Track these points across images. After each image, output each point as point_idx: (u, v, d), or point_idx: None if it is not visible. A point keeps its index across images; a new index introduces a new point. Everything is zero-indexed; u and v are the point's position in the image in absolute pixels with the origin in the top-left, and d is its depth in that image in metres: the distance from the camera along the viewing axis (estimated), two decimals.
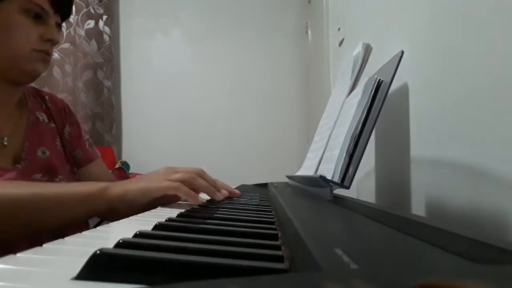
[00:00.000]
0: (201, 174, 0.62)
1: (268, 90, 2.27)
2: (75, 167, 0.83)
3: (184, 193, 0.58)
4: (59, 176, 0.75)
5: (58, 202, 0.55)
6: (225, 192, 0.67)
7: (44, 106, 0.81)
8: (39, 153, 0.73)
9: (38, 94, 0.83)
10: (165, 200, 0.62)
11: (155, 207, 0.58)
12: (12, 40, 0.67)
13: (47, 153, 0.74)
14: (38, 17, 0.69)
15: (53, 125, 0.80)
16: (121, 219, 0.44)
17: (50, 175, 0.73)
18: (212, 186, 0.63)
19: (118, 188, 0.58)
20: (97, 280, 0.21)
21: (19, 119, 0.74)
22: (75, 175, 0.81)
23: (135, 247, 0.25)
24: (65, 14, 0.75)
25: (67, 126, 0.83)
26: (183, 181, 0.59)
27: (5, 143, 0.69)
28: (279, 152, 2.21)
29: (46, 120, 0.79)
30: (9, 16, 0.66)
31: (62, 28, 0.79)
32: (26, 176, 0.68)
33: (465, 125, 0.43)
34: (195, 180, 0.60)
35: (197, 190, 0.61)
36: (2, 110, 0.71)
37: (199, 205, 0.59)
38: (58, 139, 0.79)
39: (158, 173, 0.61)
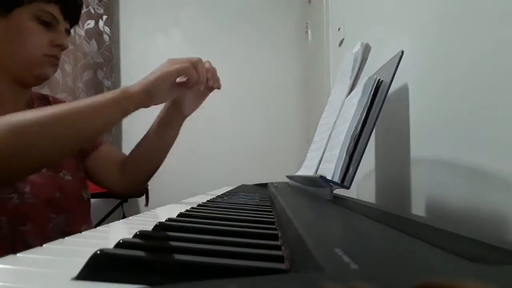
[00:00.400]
0: (198, 61, 0.71)
1: (268, 90, 2.27)
2: (84, 157, 0.86)
3: (199, 72, 0.68)
4: (63, 171, 0.77)
5: (92, 111, 0.61)
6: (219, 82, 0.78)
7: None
8: None
9: (43, 97, 0.86)
10: (182, 87, 0.71)
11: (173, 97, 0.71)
12: (24, 46, 0.71)
13: None
14: (48, 24, 0.73)
15: None
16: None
17: (55, 169, 0.76)
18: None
19: (138, 85, 0.65)
20: (97, 280, 0.21)
21: None
22: (81, 171, 0.84)
23: (135, 247, 0.25)
24: (73, 20, 0.79)
25: None
26: (193, 63, 0.68)
27: None
28: (279, 152, 2.21)
29: None
30: (22, 22, 0.70)
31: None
32: None
33: (465, 125, 0.43)
34: (198, 64, 0.70)
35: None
36: (13, 110, 0.73)
37: (198, 205, 0.59)
38: None
39: (165, 63, 0.69)
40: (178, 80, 0.69)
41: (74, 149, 0.63)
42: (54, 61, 0.75)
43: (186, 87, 0.72)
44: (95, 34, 2.17)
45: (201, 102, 0.87)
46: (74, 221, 0.77)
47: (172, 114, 0.84)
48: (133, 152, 0.88)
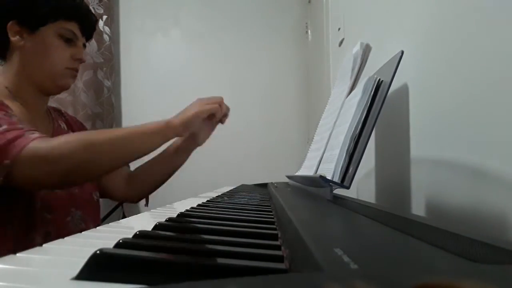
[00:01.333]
0: (222, 101, 0.87)
1: (268, 90, 2.27)
2: None
3: (223, 110, 0.85)
4: None
5: (143, 136, 0.75)
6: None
7: (63, 117, 0.97)
8: None
9: (57, 109, 0.99)
10: (208, 122, 0.87)
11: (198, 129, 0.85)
12: (49, 60, 0.82)
13: None
14: (69, 40, 0.84)
15: (71, 132, 0.93)
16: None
17: None
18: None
19: (177, 119, 0.79)
20: (97, 280, 0.21)
21: (48, 123, 0.89)
22: None
23: (135, 247, 0.25)
24: (89, 35, 0.91)
25: None
26: (219, 102, 0.84)
27: None
28: (279, 152, 2.21)
29: (66, 128, 0.94)
30: (47, 39, 0.81)
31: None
32: None
33: (464, 125, 0.43)
34: (223, 104, 0.86)
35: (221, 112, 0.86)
36: (38, 115, 0.86)
37: (198, 205, 0.59)
38: None
39: (198, 103, 0.83)
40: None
41: (125, 164, 0.79)
42: (74, 73, 0.87)
43: (212, 122, 0.88)
44: (95, 34, 2.16)
45: (211, 133, 1.00)
46: (87, 218, 0.86)
47: (188, 143, 0.95)
48: (141, 169, 1.00)
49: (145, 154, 0.75)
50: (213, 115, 0.84)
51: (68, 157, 0.66)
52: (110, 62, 2.21)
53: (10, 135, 0.65)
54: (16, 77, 0.82)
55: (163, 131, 0.77)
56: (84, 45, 0.89)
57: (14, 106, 0.78)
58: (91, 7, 2.17)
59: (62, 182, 0.71)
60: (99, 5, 2.19)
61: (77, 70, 0.87)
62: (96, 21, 0.92)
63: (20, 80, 0.82)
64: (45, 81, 0.83)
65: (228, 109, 0.91)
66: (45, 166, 0.65)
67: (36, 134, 0.68)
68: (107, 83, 2.19)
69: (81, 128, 1.00)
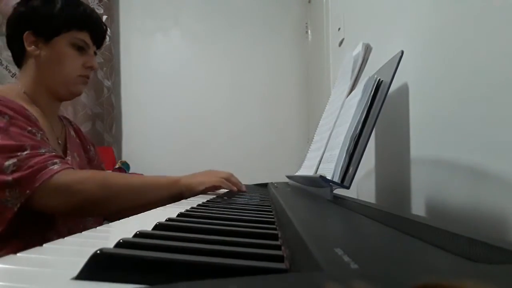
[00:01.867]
0: (232, 175, 0.92)
1: (268, 90, 2.27)
2: None
3: (229, 184, 0.88)
4: None
5: (154, 187, 0.83)
6: (244, 188, 0.94)
7: (71, 126, 1.02)
8: (74, 156, 0.93)
9: (66, 117, 1.04)
10: (210, 190, 0.89)
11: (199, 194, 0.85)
12: (63, 68, 0.87)
13: (77, 158, 0.93)
14: (81, 49, 0.89)
15: (78, 140, 1.00)
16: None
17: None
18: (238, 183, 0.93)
19: (185, 180, 0.86)
20: (97, 280, 0.21)
21: (61, 128, 0.95)
22: None
23: (135, 247, 0.25)
24: (100, 44, 0.95)
25: (90, 145, 1.04)
26: (225, 178, 0.89)
27: (60, 142, 0.91)
28: (279, 152, 2.21)
29: (74, 136, 1.00)
30: (61, 48, 0.86)
31: None
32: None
33: (464, 125, 0.43)
34: (232, 177, 0.91)
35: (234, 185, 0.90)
36: (53, 119, 0.92)
37: (198, 205, 0.59)
38: (82, 151, 0.99)
39: (207, 172, 0.91)
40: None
41: (131, 210, 0.79)
42: (85, 80, 0.93)
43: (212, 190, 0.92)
44: None
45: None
46: (96, 219, 0.92)
47: (185, 196, 0.94)
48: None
49: (150, 204, 0.76)
50: (218, 187, 0.89)
51: (85, 193, 0.75)
52: (110, 62, 2.21)
53: (34, 163, 0.71)
54: (33, 83, 0.87)
55: (171, 187, 0.85)
56: (95, 53, 0.95)
57: (32, 110, 0.82)
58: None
59: (75, 213, 0.81)
60: (99, 5, 2.19)
61: (88, 77, 0.92)
62: (106, 30, 0.96)
63: (36, 86, 0.87)
64: (59, 87, 0.88)
65: (237, 182, 0.93)
66: (63, 198, 0.73)
67: (57, 166, 0.73)
68: (107, 83, 2.19)
69: (86, 137, 1.06)
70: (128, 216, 0.75)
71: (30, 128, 0.76)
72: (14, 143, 0.71)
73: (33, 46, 0.85)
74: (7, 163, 0.69)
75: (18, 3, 0.87)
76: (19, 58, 0.88)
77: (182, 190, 0.84)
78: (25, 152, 0.71)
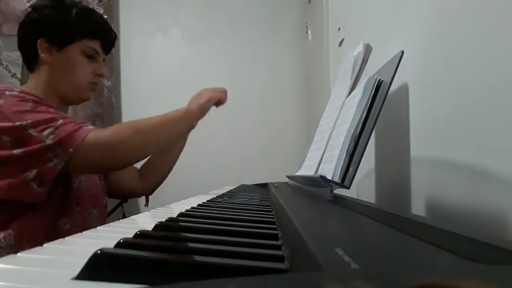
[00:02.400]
0: (226, 90, 1.05)
1: (268, 90, 2.27)
2: (108, 174, 1.08)
3: (225, 97, 1.03)
4: (94, 176, 0.99)
5: (173, 121, 0.90)
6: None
7: None
8: None
9: None
10: (217, 103, 1.02)
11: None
12: (74, 76, 0.91)
13: None
14: (91, 57, 0.93)
15: None
16: None
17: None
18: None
19: (195, 106, 0.94)
20: (98, 280, 0.21)
21: None
22: (103, 181, 1.05)
23: (135, 247, 0.25)
24: (109, 51, 0.99)
25: None
26: (222, 91, 1.03)
27: None
28: (279, 152, 2.20)
29: None
30: (73, 56, 0.90)
31: None
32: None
33: (465, 125, 0.43)
34: (226, 92, 1.06)
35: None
36: None
37: (198, 205, 0.59)
38: None
39: (208, 90, 1.03)
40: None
41: (163, 147, 0.95)
42: (94, 87, 0.97)
43: (217, 105, 1.03)
44: None
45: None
46: (100, 217, 0.96)
47: (200, 118, 1.04)
48: (148, 163, 1.11)
49: (174, 139, 0.92)
50: (220, 102, 1.01)
51: (123, 142, 0.80)
52: (110, 62, 2.21)
53: (70, 127, 0.77)
54: (45, 87, 0.90)
55: (186, 118, 0.92)
56: (104, 59, 0.98)
57: None
58: (91, 7, 2.18)
59: (118, 165, 0.85)
60: (99, 5, 2.19)
61: (97, 84, 0.97)
62: (115, 37, 1.00)
63: (48, 90, 0.90)
64: (70, 93, 0.92)
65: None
66: (105, 152, 0.78)
67: (91, 126, 0.80)
68: (107, 83, 2.19)
69: None
70: (155, 163, 1.00)
71: (53, 110, 0.81)
72: (47, 117, 0.77)
73: (46, 54, 0.88)
74: (44, 133, 0.75)
75: (31, 10, 0.90)
76: (31, 62, 0.91)
77: (198, 116, 0.94)
78: (59, 122, 0.77)
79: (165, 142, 0.90)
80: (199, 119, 0.96)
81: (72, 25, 0.89)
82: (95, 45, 0.93)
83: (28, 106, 0.78)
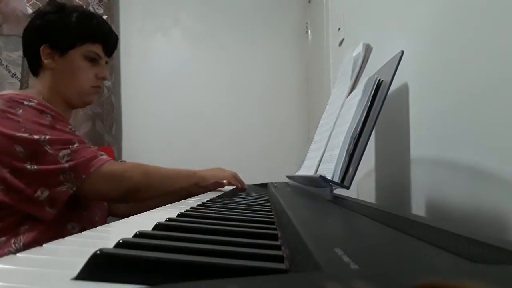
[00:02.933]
0: (237, 174, 1.09)
1: (268, 90, 2.27)
2: None
3: (237, 181, 1.06)
4: None
5: (179, 177, 0.98)
6: (246, 187, 1.12)
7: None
8: None
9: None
10: (216, 186, 1.04)
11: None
12: (77, 80, 0.92)
13: None
14: (94, 60, 0.94)
15: None
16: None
17: None
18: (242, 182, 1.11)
19: (200, 173, 1.01)
20: (97, 280, 0.21)
21: None
22: None
23: (135, 247, 0.25)
24: (111, 54, 1.00)
25: None
26: (233, 175, 1.06)
27: None
28: (279, 152, 2.20)
29: None
30: (75, 61, 0.91)
31: None
32: None
33: (464, 125, 0.43)
34: (237, 176, 1.08)
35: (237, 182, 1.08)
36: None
37: (198, 205, 0.59)
38: None
39: (217, 169, 1.07)
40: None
41: (163, 195, 0.99)
42: (98, 90, 0.98)
43: (218, 186, 1.07)
44: None
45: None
46: (102, 219, 0.99)
47: (199, 184, 1.11)
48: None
49: (175, 192, 0.98)
50: (227, 182, 1.07)
51: (132, 180, 0.86)
52: (110, 62, 2.21)
53: (87, 153, 0.81)
54: (49, 92, 0.91)
55: (190, 178, 1.00)
56: (107, 62, 0.99)
57: None
58: (91, 7, 2.17)
59: (120, 199, 0.94)
60: (99, 5, 2.19)
61: (100, 87, 0.98)
62: (117, 40, 1.01)
63: (52, 94, 0.91)
64: (73, 97, 0.93)
65: (242, 181, 1.11)
66: (114, 184, 0.84)
67: (105, 157, 0.85)
68: (107, 83, 2.19)
69: None
70: (155, 203, 0.90)
71: (70, 127, 0.84)
72: (64, 137, 0.80)
73: (49, 60, 0.90)
74: (61, 153, 0.78)
75: (35, 16, 0.92)
76: (35, 67, 0.93)
77: (198, 181, 0.99)
78: (75, 145, 0.81)
79: (166, 191, 0.96)
80: (198, 185, 1.02)
81: (73, 30, 0.90)
82: (97, 48, 0.94)
83: (47, 120, 0.81)
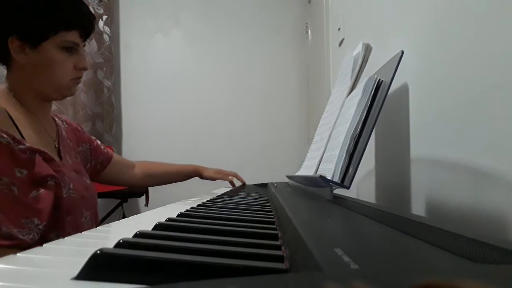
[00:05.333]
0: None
1: (268, 90, 2.27)
2: (102, 169, 1.10)
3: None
4: (85, 176, 0.93)
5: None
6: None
7: (63, 125, 0.97)
8: (67, 158, 0.89)
9: (57, 116, 0.99)
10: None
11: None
12: (55, 75, 0.81)
13: (69, 161, 0.90)
14: (71, 49, 0.82)
15: (69, 142, 0.96)
16: None
17: (80, 173, 0.91)
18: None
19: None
20: (97, 280, 0.21)
21: (55, 129, 0.92)
22: (91, 181, 1.04)
23: (135, 247, 0.25)
24: (88, 36, 0.89)
25: (83, 144, 1.02)
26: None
27: (56, 146, 0.87)
28: (279, 152, 2.21)
29: (66, 136, 0.95)
30: (49, 53, 0.79)
31: None
32: (67, 171, 0.84)
33: (465, 125, 0.43)
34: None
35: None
36: (45, 119, 0.89)
37: (198, 205, 0.59)
38: (73, 153, 0.95)
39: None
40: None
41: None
42: (78, 82, 0.88)
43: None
44: (95, 34, 2.16)
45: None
46: (93, 219, 0.91)
47: (203, 175, 1.32)
48: (157, 172, 1.28)
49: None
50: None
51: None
52: (110, 62, 2.21)
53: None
54: (22, 87, 0.82)
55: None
56: (84, 45, 0.89)
57: (20, 113, 0.79)
58: (91, 7, 2.17)
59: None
60: (99, 5, 2.19)
61: (80, 78, 0.87)
62: (94, 19, 0.89)
63: (25, 90, 0.82)
64: (51, 92, 0.84)
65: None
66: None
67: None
68: (107, 83, 2.19)
69: (79, 134, 1.02)
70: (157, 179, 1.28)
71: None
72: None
73: (21, 54, 0.79)
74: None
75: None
76: (5, 61, 0.82)
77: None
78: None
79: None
80: (197, 176, 1.27)
81: (44, 19, 0.78)
82: (73, 36, 0.81)
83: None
